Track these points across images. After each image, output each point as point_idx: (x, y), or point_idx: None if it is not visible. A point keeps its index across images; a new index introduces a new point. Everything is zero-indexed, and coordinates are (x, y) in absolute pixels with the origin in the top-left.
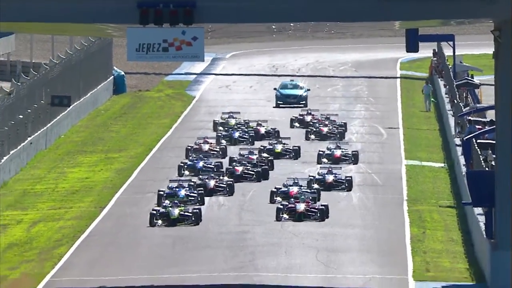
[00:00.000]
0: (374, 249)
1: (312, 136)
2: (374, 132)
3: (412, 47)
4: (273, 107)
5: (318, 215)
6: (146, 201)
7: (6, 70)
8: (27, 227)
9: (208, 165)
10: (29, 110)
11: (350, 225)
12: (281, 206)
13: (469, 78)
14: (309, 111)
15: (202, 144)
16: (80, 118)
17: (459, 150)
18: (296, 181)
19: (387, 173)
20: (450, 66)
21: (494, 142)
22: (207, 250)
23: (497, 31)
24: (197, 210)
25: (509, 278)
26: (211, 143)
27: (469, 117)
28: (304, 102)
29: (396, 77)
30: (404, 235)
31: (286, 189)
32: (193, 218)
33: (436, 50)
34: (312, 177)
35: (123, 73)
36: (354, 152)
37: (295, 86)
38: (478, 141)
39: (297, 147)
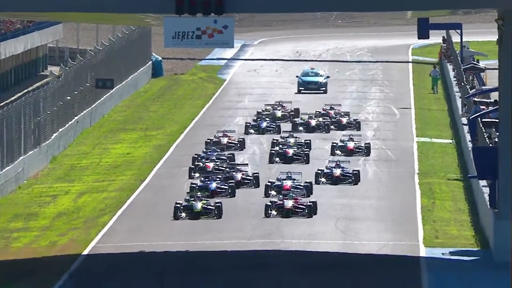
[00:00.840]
0: (388, 218)
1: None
2: (388, 112)
3: (423, 34)
4: (295, 92)
5: (306, 211)
6: (182, 174)
7: (55, 56)
8: (74, 197)
9: (221, 157)
10: (76, 92)
11: (367, 197)
12: (270, 203)
13: (475, 63)
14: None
15: (221, 138)
16: (122, 99)
17: (466, 128)
18: (289, 175)
19: (400, 149)
20: (458, 51)
21: (497, 120)
22: (237, 218)
23: (500, 20)
24: (219, 204)
25: (507, 247)
26: (230, 136)
27: (475, 98)
28: (324, 88)
29: (408, 62)
30: (416, 205)
31: (280, 183)
32: (216, 212)
33: (445, 37)
34: (320, 171)
35: (160, 58)
36: (366, 144)
37: (316, 74)
38: (483, 120)
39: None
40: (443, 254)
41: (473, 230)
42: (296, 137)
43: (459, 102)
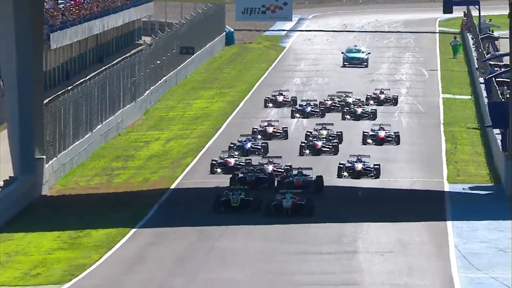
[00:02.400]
0: (418, 160)
1: (348, 117)
2: (419, 73)
3: (447, 9)
4: (341, 66)
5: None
6: (249, 123)
7: (148, 28)
8: (163, 143)
9: (256, 146)
10: (164, 58)
11: (400, 142)
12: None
13: (490, 33)
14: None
15: (266, 127)
16: (201, 63)
17: (482, 86)
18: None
19: (428, 104)
20: (476, 23)
21: (508, 80)
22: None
23: None
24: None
25: None
26: (275, 126)
27: (490, 62)
28: (366, 63)
29: (435, 32)
30: (441, 149)
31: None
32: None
33: (466, 12)
34: (342, 165)
35: (232, 30)
36: (396, 133)
37: (358, 51)
38: (497, 79)
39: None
40: (463, 189)
41: (488, 169)
42: (328, 129)
43: (477, 65)
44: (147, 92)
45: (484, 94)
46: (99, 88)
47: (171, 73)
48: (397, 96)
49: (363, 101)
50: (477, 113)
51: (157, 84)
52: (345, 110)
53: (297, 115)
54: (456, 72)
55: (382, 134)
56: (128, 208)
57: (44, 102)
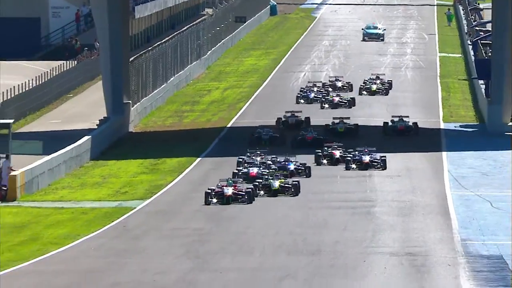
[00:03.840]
0: (419, 104)
1: (326, 105)
2: (421, 37)
3: None
4: (361, 40)
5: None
6: (290, 77)
7: (210, 2)
8: (221, 91)
9: (274, 135)
10: (222, 25)
11: (406, 91)
12: (209, 191)
13: (477, 5)
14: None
15: (289, 118)
16: (251, 29)
17: (470, 47)
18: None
19: (428, 60)
20: None
21: (490, 42)
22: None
23: None
24: (296, 182)
25: (499, 121)
26: (298, 116)
27: (476, 28)
28: (382, 38)
29: (433, 5)
30: (438, 96)
31: (246, 170)
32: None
33: None
34: (350, 158)
35: (275, 3)
36: (415, 123)
37: (375, 27)
38: (481, 41)
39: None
40: (455, 127)
41: (474, 112)
42: (346, 123)
43: (466, 30)
44: (209, 52)
45: (472, 53)
46: (172, 49)
47: (228, 37)
48: (391, 81)
49: (351, 84)
50: (466, 68)
51: (217, 46)
52: (324, 100)
53: (301, 101)
54: (450, 36)
55: (402, 125)
56: (195, 142)
57: (130, 59)
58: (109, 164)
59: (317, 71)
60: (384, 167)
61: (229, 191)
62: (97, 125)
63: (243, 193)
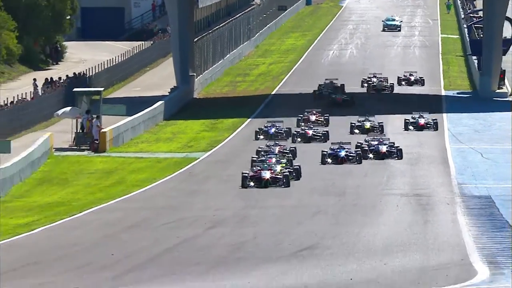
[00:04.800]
0: (425, 75)
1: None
2: (426, 22)
3: None
4: (381, 31)
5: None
6: (321, 54)
7: None
8: (267, 65)
9: (280, 131)
10: (267, 12)
11: (414, 65)
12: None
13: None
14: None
15: (309, 115)
16: (290, 16)
17: (466, 30)
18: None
19: (432, 41)
20: None
21: (482, 26)
22: None
23: None
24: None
25: (489, 89)
26: (318, 115)
27: (470, 14)
28: (399, 28)
29: None
30: (439, 69)
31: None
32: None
33: None
34: (366, 148)
35: None
36: (434, 120)
37: (393, 19)
38: (474, 25)
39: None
40: (453, 93)
41: (468, 81)
42: (371, 120)
43: (462, 16)
44: (257, 34)
45: (467, 34)
46: (228, 31)
47: (272, 22)
48: (436, 119)
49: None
50: (462, 47)
51: (263, 29)
52: (331, 98)
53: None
54: (449, 21)
55: (422, 121)
56: (246, 106)
57: (194, 40)
58: (178, 123)
59: (343, 50)
60: (400, 157)
61: (267, 174)
62: (168, 92)
63: (280, 177)
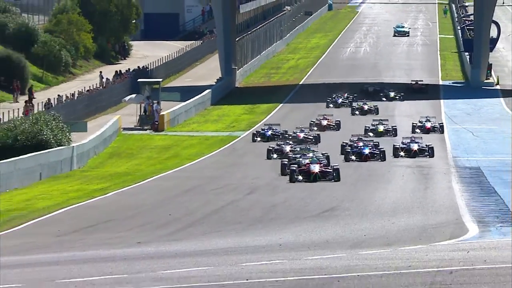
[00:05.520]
0: (426, 68)
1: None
2: (426, 24)
3: None
4: (392, 36)
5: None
6: (341, 51)
7: (288, 1)
8: (295, 61)
9: (276, 133)
10: (296, 17)
11: (417, 60)
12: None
13: (464, 3)
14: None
15: (321, 120)
16: (315, 20)
17: (460, 31)
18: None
19: (431, 40)
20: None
21: (472, 28)
22: None
23: None
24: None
25: (478, 79)
26: (329, 119)
27: (463, 18)
28: (407, 34)
29: (435, 3)
30: (437, 63)
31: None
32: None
33: None
34: (397, 146)
35: (331, 2)
36: (440, 124)
37: (403, 27)
38: (467, 27)
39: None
40: (449, 83)
41: (462, 73)
42: (385, 124)
43: (456, 19)
44: (287, 34)
45: (460, 35)
46: (263, 32)
47: (300, 25)
48: (442, 123)
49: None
50: (456, 44)
51: (293, 30)
52: (354, 107)
53: (331, 105)
54: (446, 24)
55: (428, 125)
56: (278, 94)
57: (236, 39)
58: (223, 108)
59: (358, 47)
60: (432, 155)
61: (315, 168)
62: (215, 82)
63: (330, 171)
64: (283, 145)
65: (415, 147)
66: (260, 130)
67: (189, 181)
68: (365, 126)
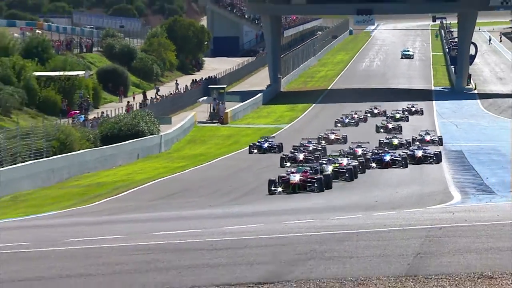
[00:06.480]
0: (422, 77)
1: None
2: (422, 44)
3: (434, 20)
4: (400, 58)
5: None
6: (358, 65)
7: (319, 28)
8: (325, 72)
9: (272, 145)
10: (325, 40)
11: (415, 71)
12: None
13: (450, 29)
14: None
15: (329, 134)
16: (339, 42)
17: (447, 49)
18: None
19: (426, 56)
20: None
21: (457, 47)
22: None
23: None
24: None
25: (461, 86)
26: (337, 133)
27: (450, 40)
28: (412, 57)
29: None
30: (431, 73)
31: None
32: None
33: (441, 21)
34: (404, 153)
35: (352, 29)
36: (439, 137)
37: (408, 51)
38: (453, 47)
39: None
40: (440, 88)
41: (449, 81)
42: (399, 137)
43: (445, 41)
44: (319, 52)
45: (447, 52)
46: (301, 51)
47: (328, 45)
48: (441, 136)
49: (367, 115)
50: (445, 60)
51: (322, 49)
52: (378, 125)
53: (339, 125)
54: (437, 44)
55: (428, 138)
56: (312, 96)
57: (281, 56)
58: (271, 107)
59: (372, 62)
60: (438, 162)
61: (296, 178)
62: (265, 88)
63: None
64: (296, 153)
65: (419, 153)
66: (256, 143)
67: (245, 161)
68: (379, 140)
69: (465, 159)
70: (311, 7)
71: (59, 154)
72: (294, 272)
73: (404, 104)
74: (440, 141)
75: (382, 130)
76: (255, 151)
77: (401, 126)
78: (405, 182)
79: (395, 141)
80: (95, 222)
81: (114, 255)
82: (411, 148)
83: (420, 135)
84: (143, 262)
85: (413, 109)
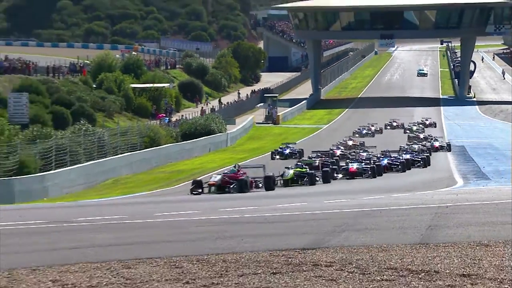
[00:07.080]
0: (432, 88)
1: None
2: (432, 63)
3: (442, 43)
4: (416, 76)
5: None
6: (382, 78)
7: (351, 49)
8: (356, 83)
9: (294, 151)
10: (356, 58)
11: (426, 82)
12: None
13: (455, 50)
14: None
15: (347, 141)
16: (367, 60)
17: (452, 66)
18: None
19: (435, 72)
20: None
21: (459, 65)
22: None
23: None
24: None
25: (463, 95)
26: (354, 140)
27: (455, 59)
28: (426, 75)
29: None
30: (439, 85)
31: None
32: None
33: (447, 44)
34: (393, 157)
35: (377, 50)
36: (448, 143)
37: (423, 70)
38: (456, 64)
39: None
40: (446, 97)
41: (453, 91)
42: (419, 143)
43: (450, 60)
44: (351, 68)
45: (452, 68)
46: (337, 67)
47: (358, 63)
48: (449, 142)
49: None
50: (450, 74)
51: (353, 66)
52: (410, 136)
53: (357, 135)
54: (444, 62)
55: (436, 144)
56: (345, 103)
57: (321, 71)
58: (313, 111)
59: (392, 76)
60: (425, 166)
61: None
62: (308, 96)
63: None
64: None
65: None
66: (278, 149)
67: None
68: (400, 146)
69: (466, 152)
70: (345, 33)
71: (149, 148)
72: (331, 241)
73: (419, 116)
74: (448, 147)
75: (415, 141)
76: (277, 157)
77: (431, 136)
78: (418, 170)
79: (415, 147)
80: (177, 200)
81: (191, 226)
82: (399, 153)
83: (429, 141)
84: (213, 232)
85: (427, 122)
